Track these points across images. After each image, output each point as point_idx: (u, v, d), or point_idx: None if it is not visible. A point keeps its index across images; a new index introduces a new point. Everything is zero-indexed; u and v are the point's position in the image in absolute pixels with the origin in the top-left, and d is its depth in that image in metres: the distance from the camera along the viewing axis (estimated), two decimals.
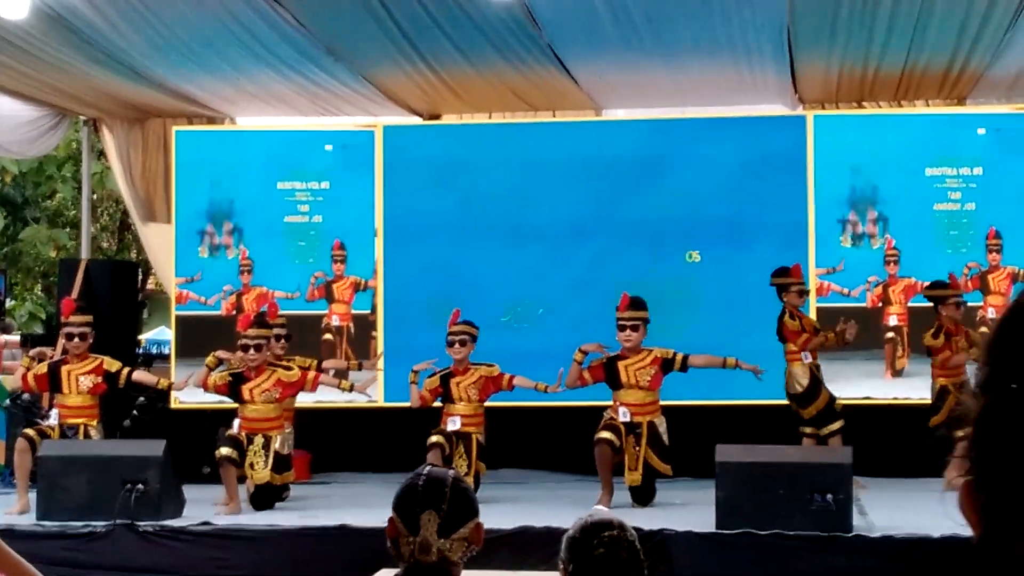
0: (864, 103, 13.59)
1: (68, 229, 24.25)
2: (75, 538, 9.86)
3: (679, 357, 11.09)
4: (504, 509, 10.39)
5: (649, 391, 11.05)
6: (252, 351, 11.03)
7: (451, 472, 3.61)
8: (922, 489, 10.04)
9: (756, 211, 13.04)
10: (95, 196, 22.72)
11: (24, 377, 11.32)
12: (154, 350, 15.56)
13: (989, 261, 12.99)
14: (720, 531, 9.32)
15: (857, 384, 12.81)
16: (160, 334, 18.28)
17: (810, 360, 11.56)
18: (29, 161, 21.88)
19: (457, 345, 11.42)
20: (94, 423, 11.14)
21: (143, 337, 17.59)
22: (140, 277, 16.87)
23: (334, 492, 12.09)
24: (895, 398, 12.88)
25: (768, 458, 9.62)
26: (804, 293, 11.77)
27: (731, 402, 12.41)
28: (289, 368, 11.34)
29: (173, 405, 13.30)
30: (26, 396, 12.66)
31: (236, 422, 11.08)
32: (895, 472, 11.87)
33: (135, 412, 12.80)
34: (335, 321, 13.75)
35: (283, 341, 12.16)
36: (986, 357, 1.19)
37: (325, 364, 12.55)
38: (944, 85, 13.05)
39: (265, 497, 10.90)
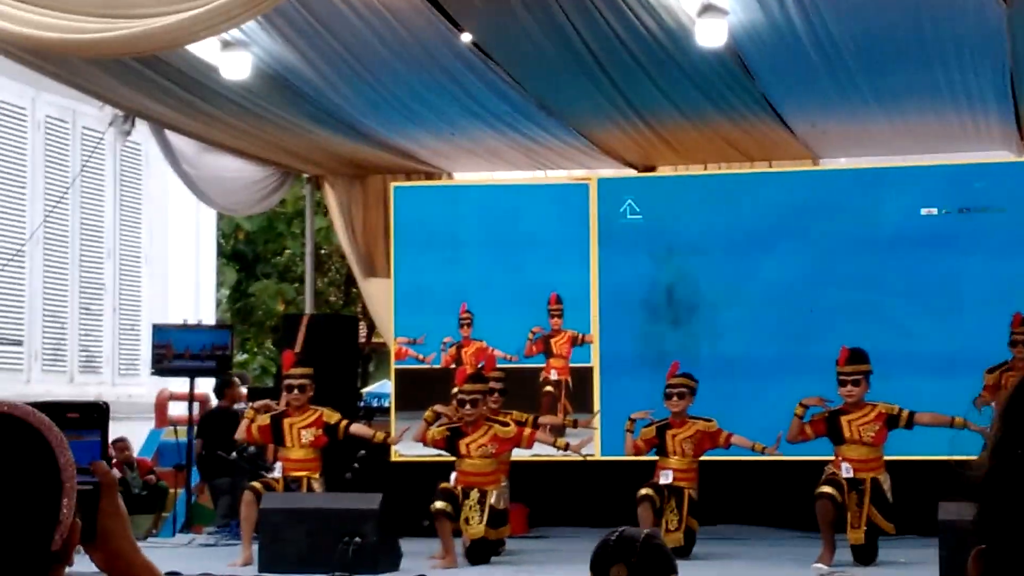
0: None
1: (296, 284, 24.80)
2: None
3: (905, 414, 10.74)
4: (722, 566, 10.26)
5: (873, 447, 10.74)
6: (468, 406, 11.05)
7: (647, 530, 3.58)
8: None
9: (978, 261, 12.59)
10: (323, 251, 23.21)
11: (248, 429, 11.49)
12: (375, 403, 15.70)
13: None
14: None
15: None
16: (382, 387, 18.49)
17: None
18: (259, 218, 22.48)
19: (675, 398, 11.28)
20: (316, 476, 11.27)
21: (366, 390, 17.82)
22: (365, 331, 17.12)
23: (550, 547, 12.02)
24: None
25: None
26: (1014, 344, 11.37)
27: (957, 457, 11.95)
28: (506, 424, 11.34)
29: (393, 458, 13.41)
30: (252, 448, 12.89)
31: (453, 475, 11.12)
32: None
33: (356, 465, 12.96)
34: (553, 375, 13.70)
35: (497, 395, 12.09)
36: (999, 422, 1.13)
37: (541, 420, 12.51)
38: None
39: (481, 552, 10.91)
